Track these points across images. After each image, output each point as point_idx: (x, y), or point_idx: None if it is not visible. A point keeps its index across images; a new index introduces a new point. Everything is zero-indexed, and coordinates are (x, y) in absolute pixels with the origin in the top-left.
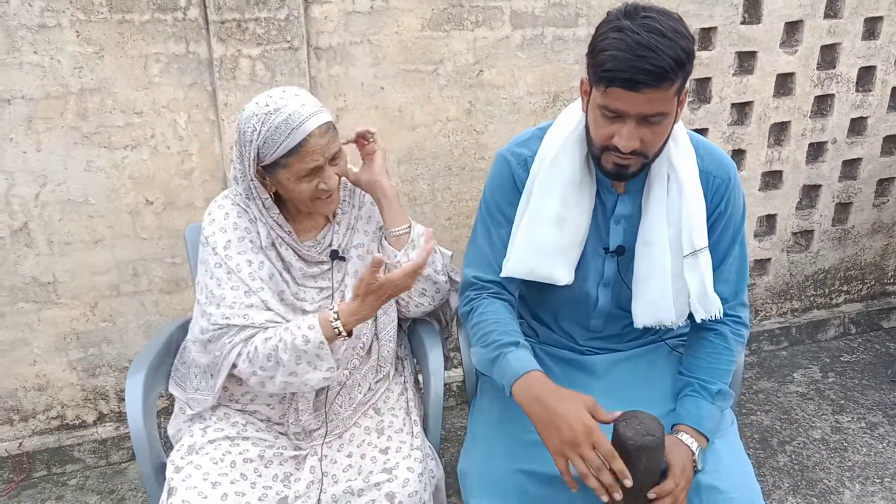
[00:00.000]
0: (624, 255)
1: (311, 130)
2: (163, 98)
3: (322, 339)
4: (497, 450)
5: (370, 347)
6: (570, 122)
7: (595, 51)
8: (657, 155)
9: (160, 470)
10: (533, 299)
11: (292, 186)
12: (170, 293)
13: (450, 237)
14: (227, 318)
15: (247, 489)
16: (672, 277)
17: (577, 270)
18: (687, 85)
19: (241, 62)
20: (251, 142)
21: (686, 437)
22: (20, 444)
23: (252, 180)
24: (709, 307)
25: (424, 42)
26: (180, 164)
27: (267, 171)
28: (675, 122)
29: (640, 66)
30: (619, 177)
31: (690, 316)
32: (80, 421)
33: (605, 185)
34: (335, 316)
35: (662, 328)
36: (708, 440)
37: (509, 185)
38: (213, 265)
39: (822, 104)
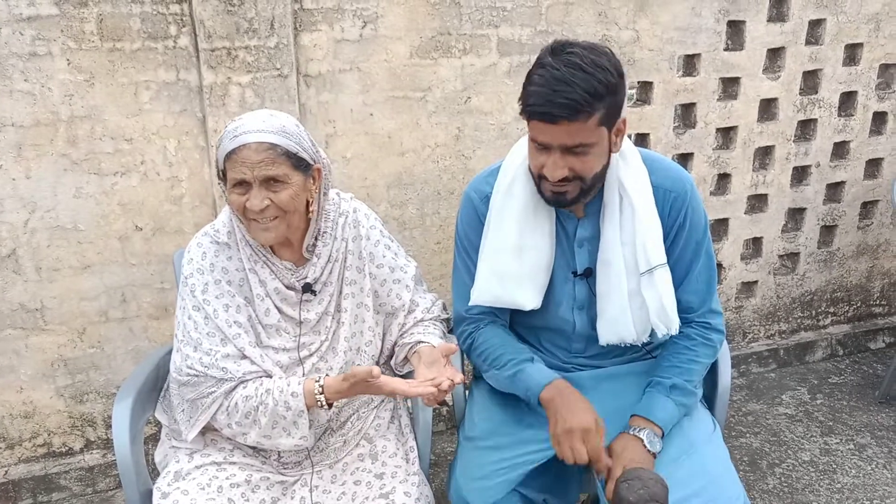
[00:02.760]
0: (592, 276)
1: (247, 141)
2: (153, 125)
3: (303, 408)
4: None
5: None
6: (522, 152)
7: (523, 86)
8: (598, 179)
9: (147, 497)
10: (516, 324)
11: (229, 196)
12: (158, 319)
13: (439, 261)
14: (205, 366)
15: None
16: (630, 295)
17: (550, 296)
18: (624, 113)
19: (231, 89)
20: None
21: (635, 426)
22: (6, 472)
23: (220, 184)
24: (669, 323)
25: (413, 69)
26: (170, 189)
27: (222, 176)
28: (612, 149)
29: (554, 101)
30: (559, 203)
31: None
32: (66, 448)
33: (564, 211)
34: (320, 389)
35: (625, 345)
36: (663, 431)
37: (476, 221)
38: (190, 307)
39: (806, 129)
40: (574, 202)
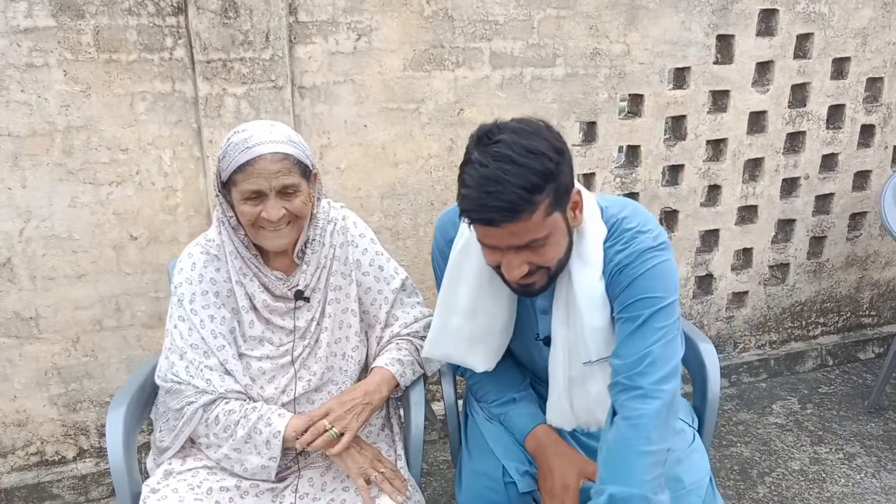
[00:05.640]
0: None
1: (262, 153)
2: (148, 135)
3: (282, 429)
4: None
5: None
6: None
7: (458, 183)
8: (565, 262)
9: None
10: None
11: (239, 207)
12: (152, 328)
13: (431, 272)
14: (190, 375)
15: None
16: (570, 383)
17: (523, 354)
18: (576, 188)
19: (227, 100)
20: (216, 157)
21: None
22: None
23: (217, 195)
24: (599, 423)
25: (406, 81)
26: (165, 199)
27: (225, 188)
28: (572, 225)
29: (488, 204)
30: (529, 294)
31: None
32: (59, 457)
33: None
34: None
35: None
36: None
37: (442, 262)
38: (177, 317)
39: (795, 141)
40: (545, 289)
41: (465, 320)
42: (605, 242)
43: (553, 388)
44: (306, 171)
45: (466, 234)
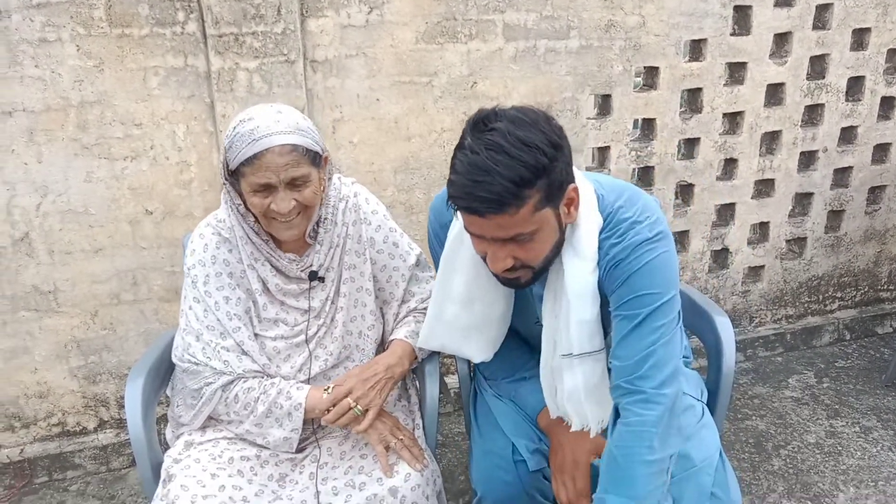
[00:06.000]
0: None
1: (270, 146)
2: (161, 110)
3: (302, 401)
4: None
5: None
6: None
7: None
8: (551, 259)
9: (158, 471)
10: None
11: (248, 198)
12: (169, 301)
13: None
14: (207, 356)
15: (244, 485)
16: (552, 373)
17: (528, 337)
18: (573, 184)
19: (239, 75)
20: (223, 145)
21: None
22: (21, 450)
23: (225, 183)
24: (583, 417)
25: (419, 54)
26: (179, 174)
27: (232, 177)
28: (565, 221)
29: (475, 194)
30: (513, 287)
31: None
32: (80, 428)
33: None
34: (327, 393)
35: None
36: None
37: (437, 245)
38: (191, 298)
39: (813, 114)
40: (530, 284)
41: (460, 309)
42: (600, 234)
43: (541, 375)
44: (316, 158)
45: (459, 224)
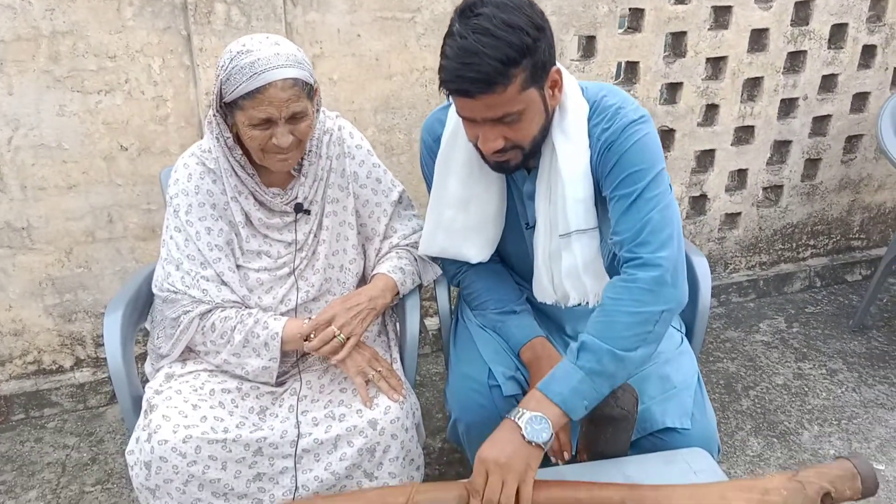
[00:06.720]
0: None
1: (272, 80)
2: (136, 42)
3: (279, 330)
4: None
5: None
6: None
7: (440, 56)
8: (539, 141)
9: (139, 404)
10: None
11: (245, 132)
12: (145, 240)
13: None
14: (186, 285)
15: (225, 416)
16: (549, 256)
17: (515, 246)
18: (555, 63)
19: (216, 7)
20: (218, 77)
21: (522, 406)
22: None
23: (215, 115)
24: (582, 290)
25: None
26: (155, 109)
27: (227, 109)
28: (550, 103)
29: (465, 75)
30: (504, 171)
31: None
32: (57, 366)
33: None
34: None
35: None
36: (562, 409)
37: (432, 163)
38: (173, 227)
39: (795, 61)
40: (520, 167)
41: (457, 211)
42: (589, 121)
43: (535, 264)
44: (310, 91)
45: (452, 125)
